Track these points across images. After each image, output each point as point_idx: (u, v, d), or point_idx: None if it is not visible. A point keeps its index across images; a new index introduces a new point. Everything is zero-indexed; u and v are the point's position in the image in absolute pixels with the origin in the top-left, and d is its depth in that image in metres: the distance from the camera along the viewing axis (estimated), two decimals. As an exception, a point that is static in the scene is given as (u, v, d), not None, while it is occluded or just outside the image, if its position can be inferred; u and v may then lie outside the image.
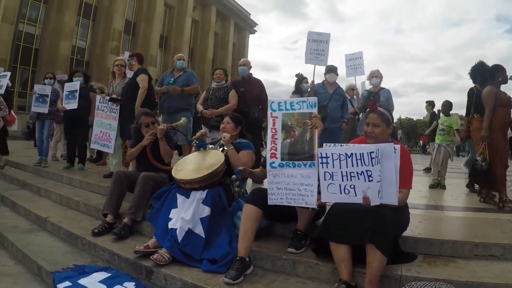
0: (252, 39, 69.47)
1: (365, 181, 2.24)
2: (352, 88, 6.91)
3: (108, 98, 5.47)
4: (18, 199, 5.08)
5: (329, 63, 5.51)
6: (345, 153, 2.30)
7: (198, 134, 3.61)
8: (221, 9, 43.07)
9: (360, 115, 6.55)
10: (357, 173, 2.26)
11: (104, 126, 5.46)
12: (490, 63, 5.04)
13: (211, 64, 42.10)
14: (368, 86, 6.60)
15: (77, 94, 6.17)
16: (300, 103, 2.61)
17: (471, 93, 5.24)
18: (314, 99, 2.59)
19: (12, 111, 8.42)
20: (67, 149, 6.92)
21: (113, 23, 30.12)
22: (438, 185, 5.99)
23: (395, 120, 9.95)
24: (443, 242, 2.79)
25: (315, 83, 5.58)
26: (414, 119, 68.80)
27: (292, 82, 6.67)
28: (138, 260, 2.89)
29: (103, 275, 2.86)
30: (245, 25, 49.71)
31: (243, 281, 2.52)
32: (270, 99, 2.77)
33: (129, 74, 5.96)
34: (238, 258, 2.58)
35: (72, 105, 6.15)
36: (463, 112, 6.07)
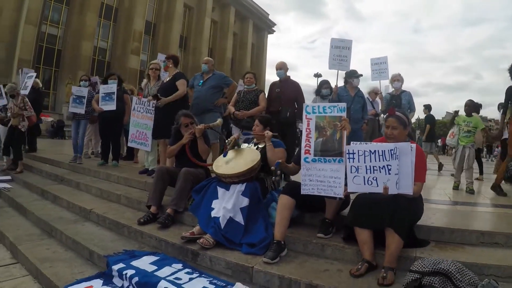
0: (271, 39, 69.71)
1: (385, 174, 2.68)
2: (376, 92, 7.28)
3: (148, 98, 5.92)
4: (59, 193, 5.58)
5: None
6: (369, 150, 2.76)
7: (231, 138, 4.07)
8: (240, 10, 43.70)
9: (382, 117, 6.93)
10: (379, 167, 2.70)
11: (141, 126, 5.96)
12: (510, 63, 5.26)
13: (230, 65, 42.78)
14: (390, 89, 6.92)
15: (114, 96, 6.70)
16: (331, 107, 3.07)
17: (509, 92, 5.43)
18: (343, 105, 3.05)
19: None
20: (101, 147, 7.48)
21: (133, 24, 30.98)
22: (466, 188, 5.73)
23: (413, 121, 10.36)
24: (453, 230, 3.20)
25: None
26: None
27: (310, 82, 7.06)
28: (184, 244, 3.36)
29: (152, 258, 3.32)
30: (264, 25, 50.18)
31: (279, 261, 2.96)
32: (306, 103, 3.22)
33: (163, 75, 6.46)
34: (275, 241, 3.04)
35: (110, 106, 6.69)
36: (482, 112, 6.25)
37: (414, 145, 2.74)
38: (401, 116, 3.02)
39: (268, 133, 3.75)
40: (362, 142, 2.88)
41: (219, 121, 4.75)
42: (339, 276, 2.74)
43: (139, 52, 32.07)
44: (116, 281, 3.04)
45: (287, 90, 5.70)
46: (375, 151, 2.71)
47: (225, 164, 3.72)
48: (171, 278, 2.88)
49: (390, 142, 2.91)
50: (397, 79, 6.48)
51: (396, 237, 2.65)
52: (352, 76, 5.88)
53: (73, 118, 7.68)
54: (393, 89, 6.61)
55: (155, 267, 3.10)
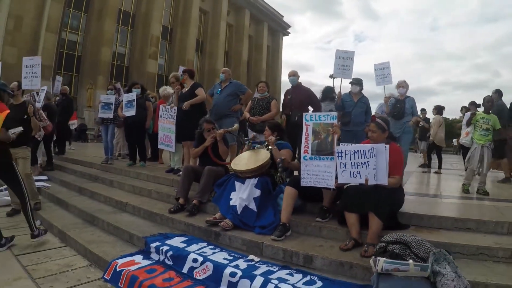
0: (287, 39, 70.14)
1: (366, 169, 3.48)
2: (389, 96, 7.84)
3: (171, 105, 6.82)
4: (96, 190, 6.51)
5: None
6: (354, 150, 3.55)
7: (251, 136, 4.92)
8: (254, 13, 44.55)
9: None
10: (361, 163, 3.49)
11: (166, 130, 6.84)
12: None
13: (246, 67, 43.69)
14: (396, 95, 7.48)
15: (134, 103, 7.58)
16: (325, 116, 3.91)
17: None
18: (335, 114, 3.90)
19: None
20: (129, 149, 8.40)
21: (150, 29, 32.06)
22: (479, 190, 5.78)
23: (431, 120, 10.94)
24: (431, 217, 3.95)
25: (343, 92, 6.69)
26: (450, 119, 68.20)
27: (326, 82, 7.74)
28: (208, 227, 4.22)
29: (182, 238, 4.19)
30: (279, 28, 50.94)
31: (284, 239, 3.78)
32: (305, 113, 4.06)
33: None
34: (281, 223, 3.87)
35: (131, 112, 7.57)
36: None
37: (388, 146, 3.51)
38: (380, 122, 3.80)
39: (271, 138, 4.57)
40: (348, 144, 3.68)
41: (236, 126, 5.63)
42: (330, 250, 3.54)
43: (157, 56, 33.19)
44: (154, 256, 3.90)
45: (298, 95, 6.48)
46: (358, 150, 3.51)
47: (242, 162, 4.57)
48: (198, 252, 3.73)
49: (372, 142, 3.69)
50: (402, 85, 7.02)
51: (376, 219, 3.43)
52: (352, 83, 6.63)
53: (102, 123, 8.63)
54: (398, 95, 7.14)
55: (185, 244, 3.97)
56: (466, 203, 5.17)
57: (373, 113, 7.18)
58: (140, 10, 32.51)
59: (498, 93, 8.33)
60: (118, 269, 3.60)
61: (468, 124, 6.26)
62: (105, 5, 28.96)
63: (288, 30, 53.53)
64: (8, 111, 4.46)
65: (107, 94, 8.74)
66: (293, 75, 6.70)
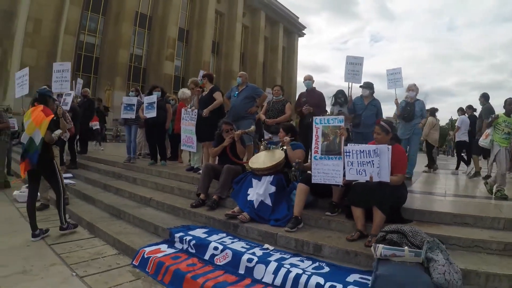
0: (302, 40, 70.35)
1: (371, 167, 3.87)
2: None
3: (192, 108, 7.31)
4: (120, 186, 7.02)
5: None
6: (360, 150, 3.95)
7: (267, 137, 5.36)
8: (270, 14, 45.06)
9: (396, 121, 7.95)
10: (366, 162, 3.89)
11: (188, 132, 7.32)
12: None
13: (261, 68, 44.24)
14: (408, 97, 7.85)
15: (155, 105, 8.07)
16: (333, 119, 4.32)
17: None
18: (341, 117, 4.30)
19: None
20: (150, 149, 8.92)
21: (167, 31, 32.81)
22: (498, 194, 5.59)
23: (446, 121, 11.39)
24: (432, 212, 4.33)
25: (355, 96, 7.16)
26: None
27: (342, 83, 8.11)
28: (227, 220, 4.69)
29: (204, 230, 4.65)
30: (294, 29, 51.42)
31: (296, 230, 4.21)
32: (315, 117, 4.48)
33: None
34: (294, 216, 4.30)
35: (152, 114, 8.06)
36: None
37: (390, 147, 3.90)
38: (384, 125, 4.19)
39: (286, 138, 5.01)
40: (355, 144, 4.10)
41: (252, 128, 6.09)
42: (338, 240, 3.96)
43: (173, 58, 33.96)
44: (177, 245, 4.37)
45: (312, 99, 6.98)
46: (363, 150, 3.91)
47: (258, 161, 5.02)
48: (218, 241, 4.18)
49: (377, 143, 4.09)
50: (412, 89, 7.43)
51: (379, 213, 3.82)
52: (362, 87, 7.07)
53: (125, 124, 9.15)
54: (408, 98, 7.50)
55: (206, 235, 4.43)
56: (467, 201, 5.51)
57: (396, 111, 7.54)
58: (156, 12, 33.28)
59: (485, 97, 8.75)
60: (146, 256, 4.07)
61: (489, 126, 6.14)
62: (122, 8, 29.79)
63: (303, 31, 54.03)
64: (53, 115, 5.00)
65: (129, 96, 9.25)
66: (308, 79, 7.19)
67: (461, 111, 10.38)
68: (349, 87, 7.24)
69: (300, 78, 51.43)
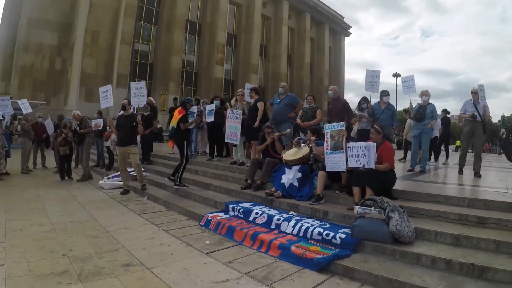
0: (351, 38, 70.59)
1: (364, 158, 5.71)
2: (475, 92, 8.74)
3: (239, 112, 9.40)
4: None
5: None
6: (356, 146, 5.81)
7: (295, 140, 7.34)
8: (315, 16, 46.56)
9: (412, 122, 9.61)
10: (361, 154, 5.74)
11: (232, 128, 9.27)
12: None
13: (309, 69, 45.95)
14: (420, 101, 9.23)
15: (213, 112, 10.26)
16: (337, 125, 6.20)
17: None
18: (342, 123, 6.23)
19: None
20: (209, 147, 11.21)
21: (216, 37, 35.20)
22: None
23: (499, 118, 12.93)
24: (412, 192, 6.07)
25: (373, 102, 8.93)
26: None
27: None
28: (266, 197, 6.76)
29: (249, 203, 6.73)
30: (340, 29, 52.64)
31: (317, 204, 6.13)
32: (325, 124, 6.44)
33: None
34: (317, 194, 6.25)
35: (210, 119, 10.26)
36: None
37: (374, 144, 5.69)
38: (377, 128, 6.04)
39: (312, 138, 6.98)
40: (354, 141, 6.04)
41: (289, 130, 8.16)
42: (340, 209, 5.89)
43: (223, 62, 36.37)
44: (230, 212, 6.49)
45: (336, 106, 8.86)
46: (358, 146, 5.76)
47: (290, 155, 7.04)
48: (259, 209, 6.25)
49: (372, 141, 5.92)
50: (425, 94, 8.86)
51: (369, 190, 5.64)
52: (384, 95, 8.84)
53: (187, 128, 11.40)
54: (422, 101, 8.92)
55: (251, 206, 6.52)
56: (455, 187, 7.16)
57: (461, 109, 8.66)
58: (205, 19, 35.81)
59: (445, 111, 11.51)
60: (209, 219, 6.22)
61: None
62: (173, 17, 32.46)
63: (349, 30, 55.06)
64: (185, 113, 8.01)
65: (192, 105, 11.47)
66: (331, 90, 9.06)
67: None
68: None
69: (348, 75, 51.92)
